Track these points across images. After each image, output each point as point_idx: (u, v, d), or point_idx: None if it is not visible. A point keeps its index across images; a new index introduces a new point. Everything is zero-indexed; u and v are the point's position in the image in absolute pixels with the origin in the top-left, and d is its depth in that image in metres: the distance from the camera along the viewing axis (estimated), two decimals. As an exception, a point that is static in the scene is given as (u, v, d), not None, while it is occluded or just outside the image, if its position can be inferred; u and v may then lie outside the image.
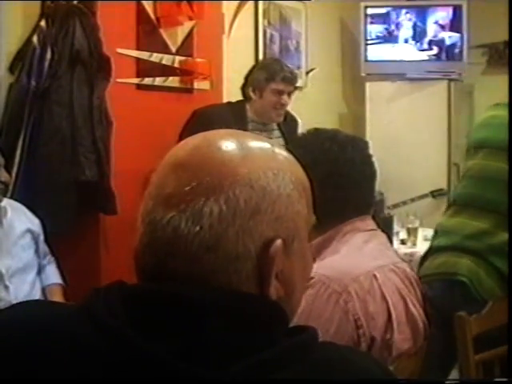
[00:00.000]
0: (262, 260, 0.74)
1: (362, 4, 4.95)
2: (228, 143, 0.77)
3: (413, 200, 4.47)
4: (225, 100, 3.55)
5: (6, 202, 2.64)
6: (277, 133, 3.34)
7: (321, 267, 1.41)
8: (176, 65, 3.41)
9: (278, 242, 0.74)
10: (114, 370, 0.67)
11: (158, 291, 0.72)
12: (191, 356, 0.67)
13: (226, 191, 0.73)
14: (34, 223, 2.70)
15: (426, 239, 3.27)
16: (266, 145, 0.80)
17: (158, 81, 3.35)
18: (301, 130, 3.29)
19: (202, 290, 0.71)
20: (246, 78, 3.29)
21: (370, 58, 4.99)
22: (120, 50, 3.16)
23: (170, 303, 0.70)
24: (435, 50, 4.92)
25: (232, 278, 0.73)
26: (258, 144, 0.79)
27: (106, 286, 0.75)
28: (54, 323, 0.75)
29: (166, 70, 3.37)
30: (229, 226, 0.72)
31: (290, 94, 3.26)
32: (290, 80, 3.25)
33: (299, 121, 3.49)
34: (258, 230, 0.74)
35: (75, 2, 3.00)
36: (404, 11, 4.94)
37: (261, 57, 4.29)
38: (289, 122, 3.39)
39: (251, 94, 3.24)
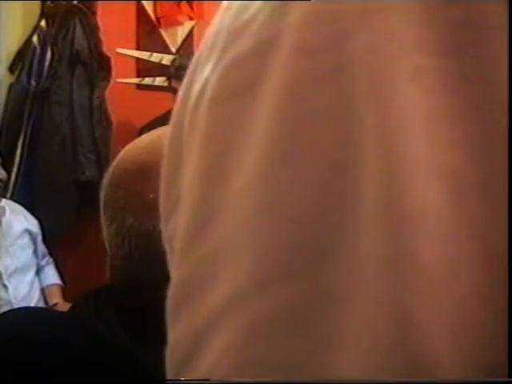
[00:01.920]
0: None
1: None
2: None
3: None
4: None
5: (5, 202, 2.65)
6: None
7: None
8: (176, 65, 3.42)
9: None
10: (107, 377, 0.67)
11: (152, 298, 0.71)
12: None
13: None
14: (33, 224, 2.71)
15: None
16: None
17: (158, 81, 3.35)
18: None
19: None
20: None
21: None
22: (120, 50, 3.16)
23: (163, 310, 0.69)
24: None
25: None
26: None
27: (95, 292, 0.73)
28: (47, 331, 0.73)
29: (166, 70, 3.37)
30: None
31: None
32: (177, 75, 2.89)
33: None
34: None
35: (75, 2, 3.00)
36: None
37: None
38: None
39: None
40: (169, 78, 3.03)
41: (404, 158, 0.23)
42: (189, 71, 0.32)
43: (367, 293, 0.22)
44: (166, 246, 0.34)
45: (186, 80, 0.32)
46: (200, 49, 0.32)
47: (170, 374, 0.30)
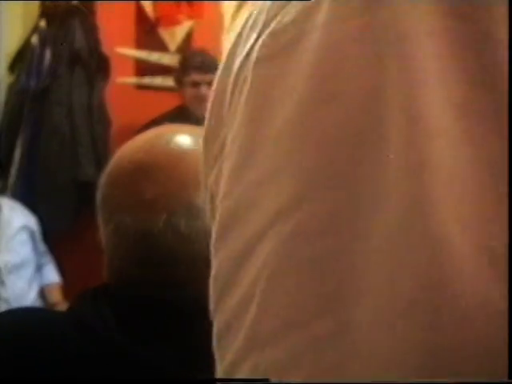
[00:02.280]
0: None
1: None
2: (180, 135, 0.75)
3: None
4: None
5: (3, 199, 2.66)
6: None
7: None
8: (175, 64, 3.42)
9: None
10: (105, 376, 0.67)
11: (149, 297, 0.71)
12: (181, 360, 0.67)
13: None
14: (31, 221, 2.71)
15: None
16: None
17: (158, 80, 3.35)
18: None
19: (190, 295, 0.70)
20: None
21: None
22: (119, 50, 3.16)
23: (162, 309, 0.69)
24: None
25: None
26: (197, 130, 0.80)
27: (92, 292, 0.73)
28: (45, 330, 0.73)
29: (166, 70, 3.37)
30: None
31: (211, 84, 2.74)
32: (202, 68, 2.87)
33: None
34: None
35: (75, 2, 3.01)
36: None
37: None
38: None
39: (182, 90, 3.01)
40: (178, 75, 3.03)
41: (421, 91, 0.27)
42: (230, 46, 0.38)
43: (391, 195, 0.27)
44: (207, 197, 0.37)
45: (228, 53, 0.38)
46: (240, 28, 0.37)
47: (214, 298, 0.34)
